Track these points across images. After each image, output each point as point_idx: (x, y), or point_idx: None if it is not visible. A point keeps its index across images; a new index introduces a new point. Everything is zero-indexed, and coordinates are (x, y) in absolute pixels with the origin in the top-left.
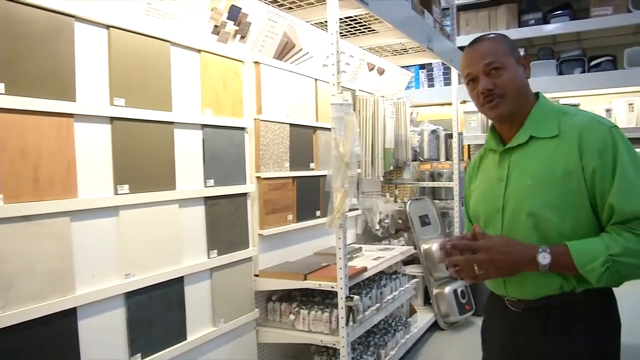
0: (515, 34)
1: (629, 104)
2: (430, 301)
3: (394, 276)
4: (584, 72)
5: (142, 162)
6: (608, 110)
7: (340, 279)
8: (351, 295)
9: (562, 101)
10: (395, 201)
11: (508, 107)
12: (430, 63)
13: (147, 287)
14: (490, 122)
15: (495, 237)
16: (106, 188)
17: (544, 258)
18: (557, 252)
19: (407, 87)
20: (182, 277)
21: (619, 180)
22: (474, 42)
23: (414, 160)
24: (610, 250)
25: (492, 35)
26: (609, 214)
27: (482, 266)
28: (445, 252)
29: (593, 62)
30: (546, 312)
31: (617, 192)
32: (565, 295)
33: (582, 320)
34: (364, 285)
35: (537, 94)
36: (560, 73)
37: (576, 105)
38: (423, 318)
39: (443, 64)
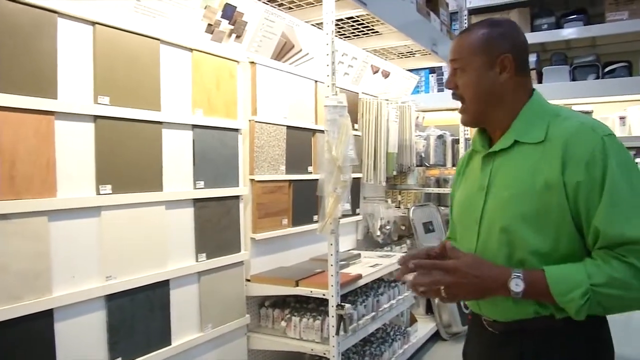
0: (528, 38)
1: None
2: (432, 310)
3: (393, 284)
4: (597, 78)
5: (126, 162)
6: (622, 118)
7: (332, 286)
8: (342, 304)
9: (574, 108)
10: (398, 207)
11: (469, 113)
12: (441, 67)
13: (129, 289)
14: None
15: (467, 256)
16: (88, 188)
17: (517, 285)
18: (532, 279)
19: (416, 92)
20: (168, 280)
21: (607, 198)
22: (462, 31)
23: (420, 165)
24: (592, 279)
25: (475, 28)
26: (594, 237)
27: (448, 289)
28: (406, 270)
29: (607, 68)
30: (521, 337)
31: (604, 213)
32: (543, 320)
33: (563, 350)
34: (361, 292)
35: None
36: (574, 79)
37: (589, 113)
38: (424, 327)
39: None
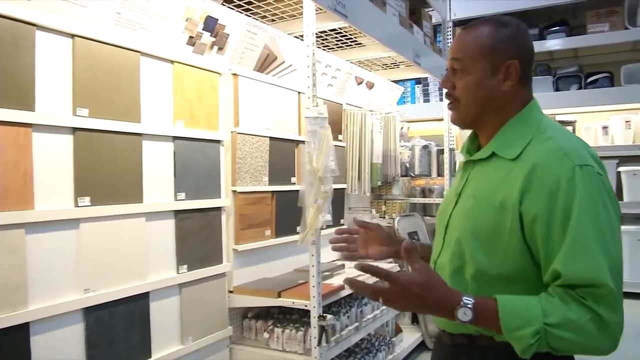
0: None
1: (626, 122)
2: (418, 320)
3: None
4: (580, 88)
5: (106, 173)
6: (605, 127)
7: (314, 297)
8: (324, 315)
9: (558, 118)
10: (383, 217)
11: (461, 115)
12: (426, 78)
13: (108, 302)
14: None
15: (420, 274)
16: (66, 200)
17: (464, 314)
18: (482, 308)
19: (402, 102)
20: (148, 292)
21: (570, 237)
22: (463, 28)
23: (405, 175)
24: (547, 318)
25: (481, 26)
26: (553, 276)
27: (388, 300)
28: (338, 241)
29: (590, 79)
30: (469, 351)
31: (565, 253)
32: (488, 338)
33: None
34: (345, 303)
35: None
36: (557, 89)
37: (572, 122)
38: (409, 337)
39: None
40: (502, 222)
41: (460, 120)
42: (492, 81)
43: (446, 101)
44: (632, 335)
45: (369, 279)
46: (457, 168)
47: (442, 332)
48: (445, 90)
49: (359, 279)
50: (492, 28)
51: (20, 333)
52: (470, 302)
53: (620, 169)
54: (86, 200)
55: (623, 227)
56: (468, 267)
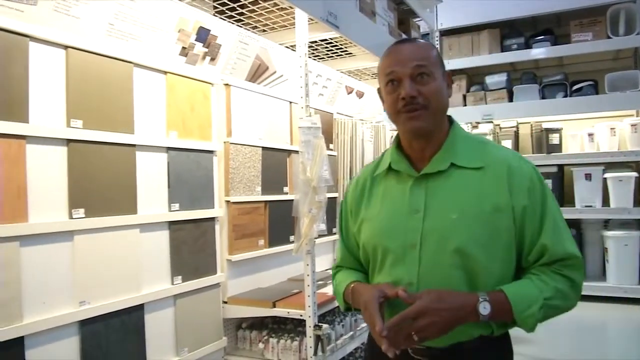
0: (498, 58)
1: (611, 129)
2: None
3: None
4: (566, 96)
5: (100, 185)
6: (591, 135)
7: (309, 306)
8: (319, 324)
9: (545, 125)
10: None
11: (429, 120)
12: None
13: (103, 315)
14: (394, 139)
15: (429, 293)
16: (60, 212)
17: (485, 308)
18: (496, 300)
19: None
20: (142, 304)
21: (549, 220)
22: (403, 42)
23: None
24: (544, 293)
25: (423, 41)
26: (539, 254)
27: (421, 333)
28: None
29: (575, 87)
30: (459, 356)
31: (549, 233)
32: (480, 339)
33: None
34: (339, 312)
35: (449, 118)
36: (543, 97)
37: (558, 130)
38: None
39: None
40: (499, 225)
41: (428, 125)
42: (445, 88)
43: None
44: (626, 337)
45: None
46: (358, 181)
47: (423, 349)
48: (403, 100)
49: None
50: (430, 43)
51: (15, 347)
52: (485, 296)
53: (607, 175)
54: (80, 212)
55: (610, 233)
56: (477, 274)
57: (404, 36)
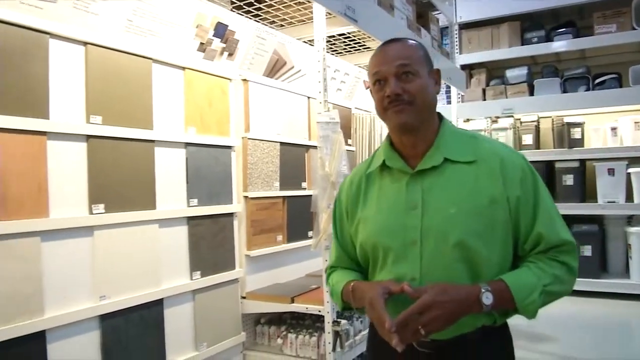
0: (519, 51)
1: (635, 122)
2: None
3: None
4: (588, 90)
5: (119, 181)
6: (614, 129)
7: (327, 302)
8: (338, 320)
9: (566, 119)
10: None
11: (414, 115)
12: None
13: (123, 309)
14: (386, 137)
15: (433, 287)
16: (80, 207)
17: (487, 298)
18: (498, 290)
19: None
20: (162, 299)
21: (542, 209)
22: (389, 42)
23: None
24: (542, 280)
25: (410, 40)
26: (535, 242)
27: (428, 326)
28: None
29: (597, 80)
30: (463, 347)
31: (543, 221)
32: (483, 329)
33: (500, 352)
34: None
35: (439, 115)
36: (565, 91)
37: (581, 124)
38: None
39: (445, 82)
40: (495, 217)
41: (413, 120)
42: (431, 85)
43: (456, 101)
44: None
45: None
46: (352, 180)
47: (427, 342)
48: (388, 98)
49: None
50: (416, 43)
51: (37, 341)
52: (486, 286)
53: (630, 170)
54: (100, 207)
55: (633, 229)
56: (478, 266)
57: (422, 30)
